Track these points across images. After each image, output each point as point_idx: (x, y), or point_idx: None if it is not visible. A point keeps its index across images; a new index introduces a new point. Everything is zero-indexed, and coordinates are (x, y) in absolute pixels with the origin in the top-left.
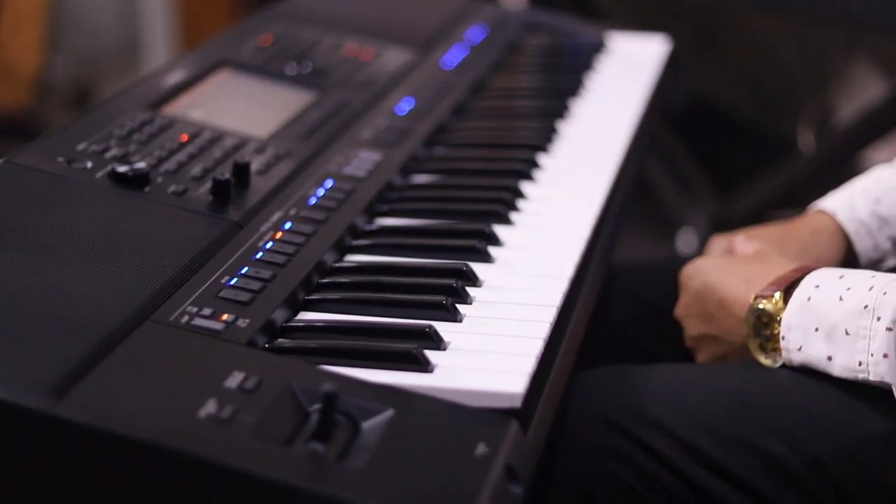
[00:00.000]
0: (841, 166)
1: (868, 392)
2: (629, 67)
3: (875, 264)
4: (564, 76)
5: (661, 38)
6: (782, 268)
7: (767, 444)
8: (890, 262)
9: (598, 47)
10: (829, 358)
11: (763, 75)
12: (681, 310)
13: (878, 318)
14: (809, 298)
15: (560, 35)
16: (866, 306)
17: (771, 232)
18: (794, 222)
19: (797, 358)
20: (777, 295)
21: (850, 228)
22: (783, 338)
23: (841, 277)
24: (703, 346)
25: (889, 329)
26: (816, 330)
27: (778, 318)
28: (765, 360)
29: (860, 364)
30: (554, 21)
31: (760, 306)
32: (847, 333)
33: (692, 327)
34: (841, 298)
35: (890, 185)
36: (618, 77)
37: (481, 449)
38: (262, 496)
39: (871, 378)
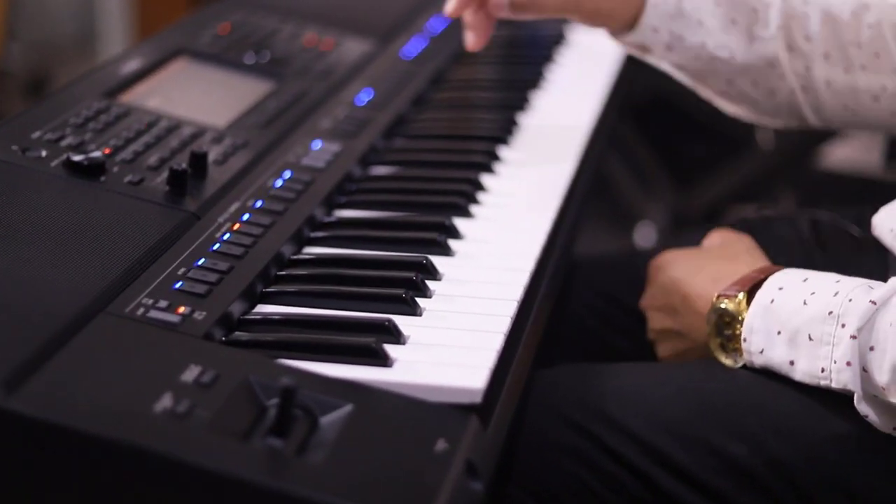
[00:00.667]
0: (799, 160)
1: (831, 394)
2: (590, 59)
3: (638, 45)
4: (525, 68)
5: None
6: (748, 267)
7: (728, 445)
8: (651, 59)
9: (558, 39)
10: (791, 363)
11: None
12: (646, 300)
13: (843, 325)
14: (773, 301)
15: (521, 27)
16: (831, 312)
17: None
18: None
19: (759, 361)
20: (740, 295)
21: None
22: (745, 340)
23: (805, 280)
24: (664, 339)
25: (853, 337)
26: (779, 333)
27: (740, 319)
28: (725, 360)
29: (823, 371)
30: None
31: (723, 306)
32: (810, 339)
33: (656, 320)
34: (805, 303)
35: None
36: (578, 69)
37: (441, 444)
38: (219, 492)
39: (834, 385)
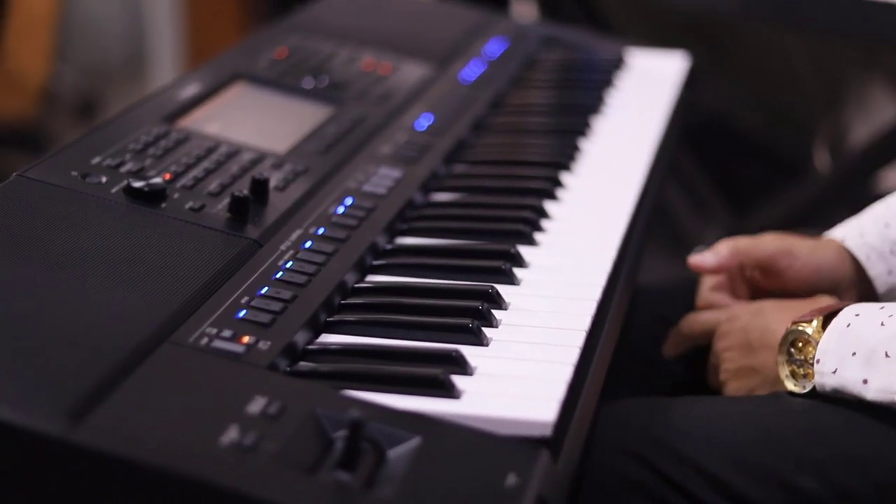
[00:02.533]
0: (857, 186)
1: None
2: (649, 84)
3: (894, 290)
4: (584, 92)
5: (679, 54)
6: (827, 302)
7: (797, 478)
8: None
9: (617, 63)
10: (865, 381)
11: (778, 92)
12: (722, 344)
13: None
14: (849, 325)
15: (578, 50)
16: None
17: (774, 243)
18: (800, 238)
19: (830, 382)
20: (816, 321)
21: (860, 254)
22: (818, 361)
23: (882, 308)
24: (736, 378)
25: None
26: (854, 355)
27: (814, 343)
28: (794, 388)
29: None
30: (571, 36)
31: (798, 328)
32: (887, 356)
33: (732, 360)
34: (882, 324)
35: None
36: (637, 94)
37: (512, 479)
38: None
39: None
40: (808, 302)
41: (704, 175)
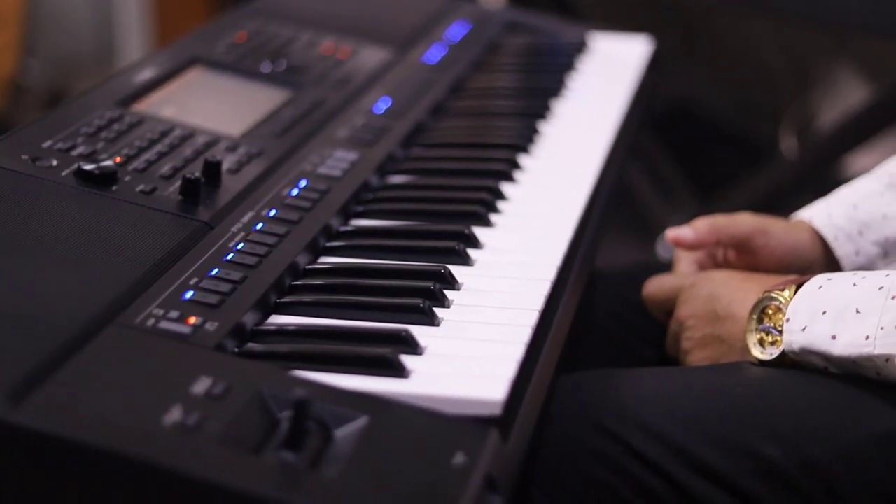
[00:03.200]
0: (824, 171)
1: (866, 393)
2: (612, 67)
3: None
4: (546, 76)
5: (644, 38)
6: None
7: (761, 447)
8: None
9: (579, 47)
10: (833, 337)
11: (746, 79)
12: (684, 311)
13: (893, 297)
14: (821, 287)
15: (541, 35)
16: (881, 287)
17: (751, 221)
18: (774, 218)
19: (798, 340)
20: (788, 290)
21: (828, 234)
22: (788, 320)
23: (854, 273)
24: (701, 347)
25: None
26: (824, 313)
27: (784, 309)
28: (760, 356)
29: (867, 338)
30: (535, 21)
31: (771, 294)
32: (858, 312)
33: (695, 328)
34: (854, 284)
35: (867, 191)
36: (600, 77)
37: (459, 458)
38: None
39: (876, 352)
40: (777, 276)
41: (672, 162)
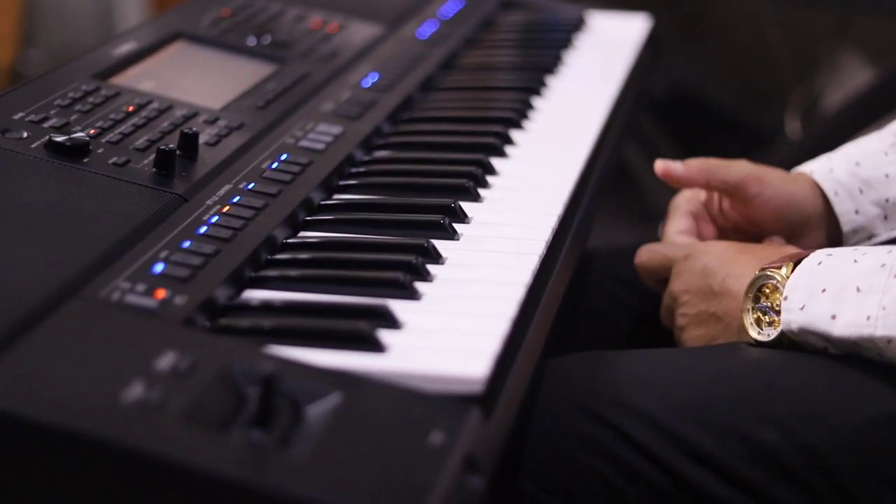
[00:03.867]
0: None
1: (866, 375)
2: (608, 46)
3: (860, 232)
4: (541, 52)
5: (642, 17)
6: (795, 250)
7: (757, 431)
8: (881, 234)
9: (577, 25)
10: (833, 317)
11: (749, 63)
12: (679, 286)
13: None
14: (820, 263)
15: (538, 12)
16: (883, 265)
17: (746, 167)
18: (773, 168)
19: (797, 319)
20: (785, 267)
21: (828, 188)
22: (786, 298)
23: (855, 249)
24: (696, 325)
25: None
26: (823, 291)
27: (783, 289)
28: (757, 336)
29: (868, 318)
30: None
31: (768, 273)
32: (858, 290)
33: (690, 304)
34: (855, 261)
35: (871, 149)
36: (596, 55)
37: (437, 437)
38: (192, 487)
39: (878, 333)
40: (774, 249)
41: (673, 147)
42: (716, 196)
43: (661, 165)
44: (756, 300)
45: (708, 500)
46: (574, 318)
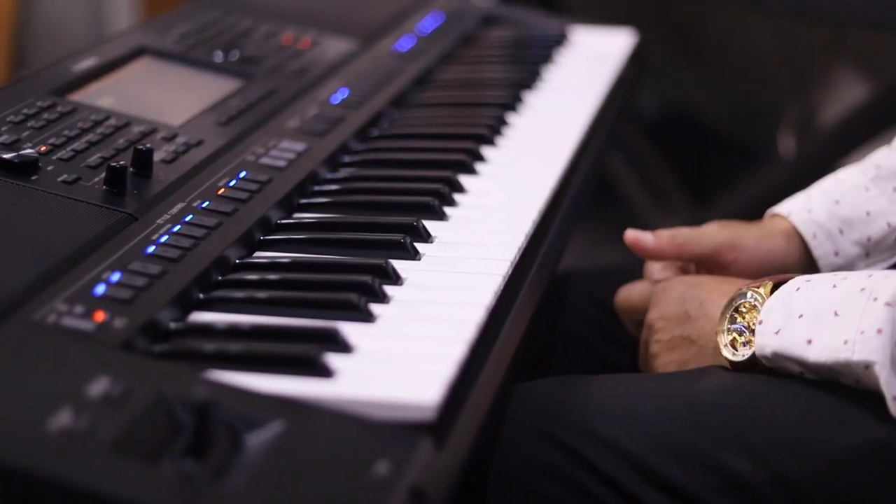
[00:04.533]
0: (823, 172)
1: (843, 402)
2: (591, 60)
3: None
4: (520, 67)
5: (626, 31)
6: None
7: (729, 461)
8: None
9: (558, 40)
10: (809, 341)
11: (742, 80)
12: (654, 314)
13: (875, 299)
14: (798, 289)
15: (519, 27)
16: (863, 289)
17: (718, 236)
18: (746, 226)
19: (771, 343)
20: (764, 287)
21: (806, 231)
22: (761, 322)
23: (835, 274)
24: (670, 350)
25: (889, 304)
26: (801, 316)
27: (759, 307)
28: (732, 357)
29: (845, 342)
30: (514, 13)
31: (745, 291)
32: (836, 315)
33: (665, 330)
34: (834, 286)
35: (850, 185)
36: (578, 70)
37: (382, 467)
38: None
39: (854, 357)
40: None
41: (666, 167)
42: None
43: (630, 235)
44: (732, 320)
45: None
46: (550, 342)
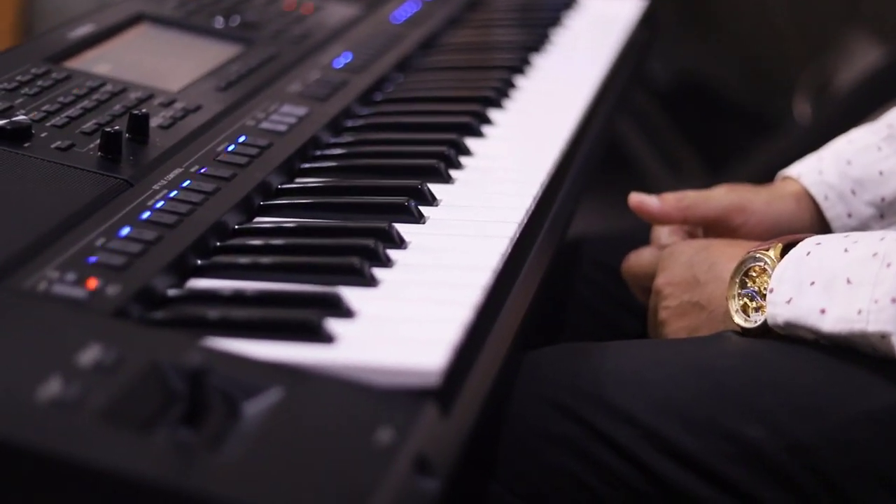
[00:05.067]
0: (838, 135)
1: (859, 368)
2: (601, 23)
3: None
4: (528, 30)
5: None
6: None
7: (743, 428)
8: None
9: (567, 3)
10: (822, 311)
11: (756, 47)
12: (663, 279)
13: (889, 265)
14: (809, 253)
15: None
16: (875, 254)
17: (725, 199)
18: (755, 189)
19: (783, 313)
20: (773, 249)
21: (818, 192)
22: (771, 290)
23: (846, 236)
24: (679, 316)
25: None
26: (812, 284)
27: (770, 272)
28: (744, 323)
29: (859, 312)
30: None
31: (756, 255)
32: (849, 282)
33: (673, 296)
34: (846, 250)
35: (862, 145)
36: (588, 33)
37: (384, 435)
38: (111, 493)
39: (870, 328)
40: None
41: (679, 135)
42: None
43: (635, 199)
44: (742, 285)
45: (690, 501)
46: (562, 309)
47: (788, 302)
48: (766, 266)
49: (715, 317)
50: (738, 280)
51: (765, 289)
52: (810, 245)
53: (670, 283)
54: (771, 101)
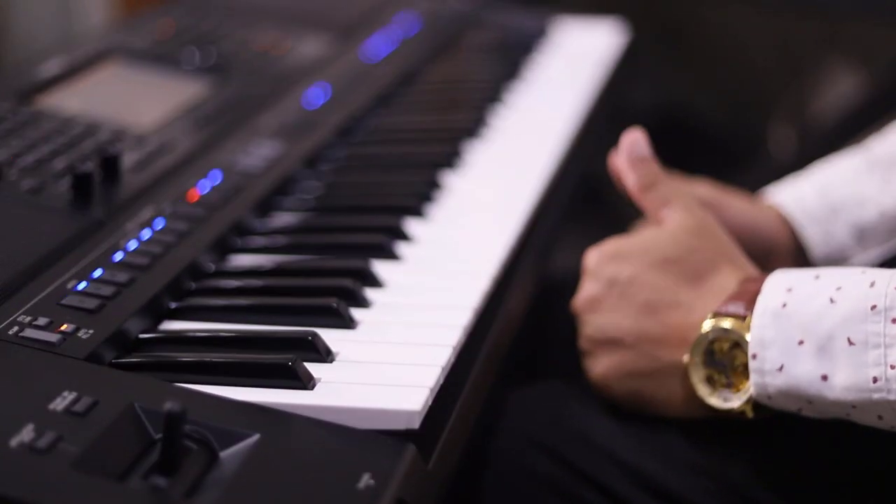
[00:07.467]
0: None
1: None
2: (576, 53)
3: (831, 260)
4: (501, 63)
5: (614, 22)
6: (728, 277)
7: (725, 466)
8: (855, 260)
9: (540, 33)
10: (825, 377)
11: (734, 78)
12: (581, 300)
13: (895, 321)
14: (784, 305)
15: (503, 24)
16: (874, 307)
17: (701, 188)
18: (736, 193)
19: (776, 382)
20: (740, 308)
21: (798, 216)
22: (754, 357)
23: (817, 277)
24: (601, 352)
25: None
26: (801, 343)
27: (744, 344)
28: (713, 400)
29: (875, 381)
30: (495, 8)
31: (724, 325)
32: (850, 343)
33: (590, 323)
34: (832, 301)
35: (841, 170)
36: (562, 63)
37: (365, 480)
38: None
39: (892, 397)
40: (707, 267)
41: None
42: None
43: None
44: (707, 356)
45: None
46: (543, 348)
47: (780, 369)
48: (735, 337)
49: (656, 368)
50: (701, 350)
51: (737, 362)
52: (781, 294)
53: (588, 310)
54: (750, 130)
